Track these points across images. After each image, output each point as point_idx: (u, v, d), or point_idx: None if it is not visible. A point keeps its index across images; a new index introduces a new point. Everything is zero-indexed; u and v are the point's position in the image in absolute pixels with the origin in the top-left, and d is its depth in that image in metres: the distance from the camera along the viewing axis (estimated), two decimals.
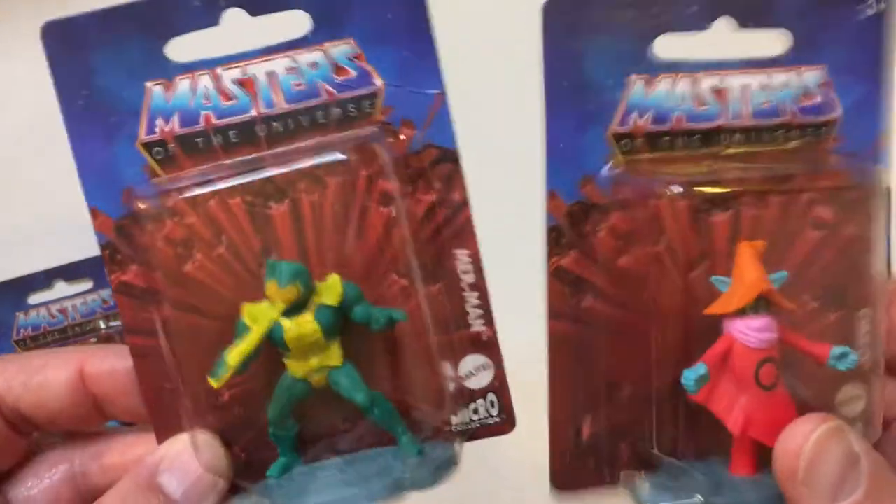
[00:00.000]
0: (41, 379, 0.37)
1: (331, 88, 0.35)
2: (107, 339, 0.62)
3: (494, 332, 0.37)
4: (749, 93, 0.36)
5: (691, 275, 0.36)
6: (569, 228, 0.36)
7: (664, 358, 0.36)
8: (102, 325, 0.64)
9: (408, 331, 0.36)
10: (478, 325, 0.37)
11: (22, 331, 0.64)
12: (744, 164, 0.36)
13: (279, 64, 0.35)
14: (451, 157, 0.36)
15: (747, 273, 0.35)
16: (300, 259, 0.35)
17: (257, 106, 0.35)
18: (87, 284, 0.64)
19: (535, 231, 0.36)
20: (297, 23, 0.35)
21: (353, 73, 0.35)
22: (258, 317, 0.33)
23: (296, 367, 0.35)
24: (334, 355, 0.35)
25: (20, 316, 0.64)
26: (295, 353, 0.34)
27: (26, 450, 0.40)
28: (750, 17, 0.35)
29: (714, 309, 0.35)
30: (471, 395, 0.38)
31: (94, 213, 0.35)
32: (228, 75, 0.35)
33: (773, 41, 0.36)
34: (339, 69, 0.35)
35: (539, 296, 0.37)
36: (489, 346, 0.37)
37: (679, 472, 0.37)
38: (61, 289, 0.63)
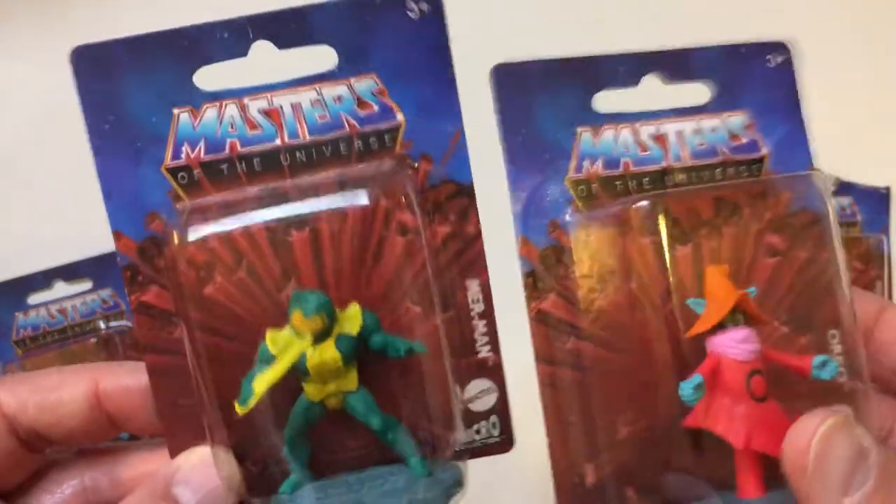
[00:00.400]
0: (56, 398, 0.38)
1: (353, 121, 0.36)
2: (106, 339, 0.62)
3: (500, 358, 0.39)
4: (684, 137, 0.40)
5: (666, 307, 0.38)
6: (544, 272, 0.38)
7: (656, 391, 0.38)
8: (102, 325, 0.64)
9: (421, 355, 0.37)
10: (484, 352, 0.39)
11: (21, 331, 0.64)
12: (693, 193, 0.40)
13: (305, 96, 0.36)
14: (467, 191, 0.37)
15: (719, 289, 0.36)
16: (319, 285, 0.36)
17: (282, 136, 0.36)
18: (86, 284, 0.64)
19: None
20: (323, 57, 0.36)
21: (375, 108, 0.36)
22: (284, 346, 0.35)
23: (313, 392, 0.36)
24: (351, 380, 0.36)
25: (20, 316, 0.63)
26: (314, 379, 0.36)
27: (38, 466, 0.40)
28: (674, 73, 0.39)
29: (696, 329, 0.37)
30: (475, 417, 0.39)
31: (118, 235, 0.36)
32: (255, 105, 0.36)
33: (698, 92, 0.40)
34: (362, 103, 0.36)
35: None
36: (494, 371, 0.39)
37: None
38: (61, 289, 0.63)
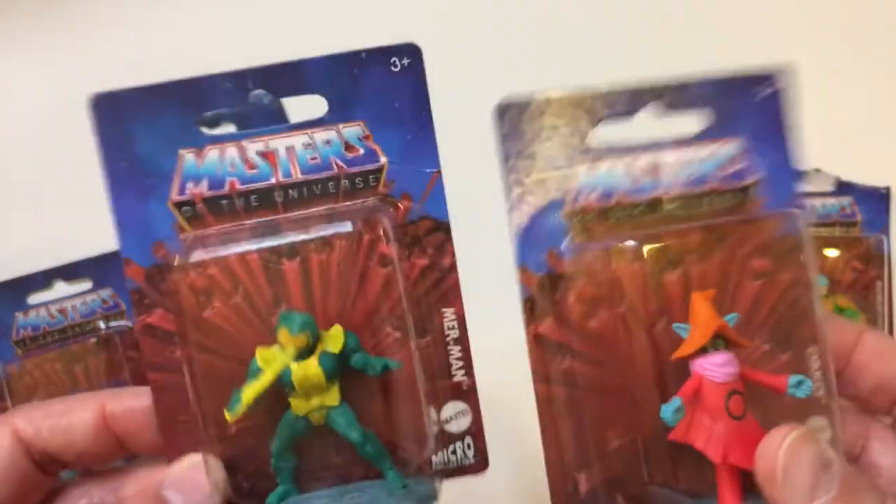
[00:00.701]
0: (67, 422, 0.41)
1: (341, 163, 0.40)
2: (106, 339, 0.64)
3: (474, 382, 0.42)
4: (679, 166, 0.42)
5: (655, 329, 0.41)
6: (541, 298, 0.41)
7: (643, 406, 0.41)
8: (102, 324, 0.65)
9: (398, 377, 0.41)
10: (459, 376, 0.42)
11: (21, 331, 0.65)
12: (685, 225, 0.42)
13: (297, 140, 0.40)
14: (443, 227, 0.41)
15: (702, 316, 0.39)
16: (307, 309, 0.40)
17: (277, 175, 0.40)
18: (86, 284, 0.65)
19: (512, 294, 0.41)
20: (315, 105, 0.40)
21: (361, 151, 0.40)
22: (270, 360, 0.38)
23: (298, 406, 0.39)
24: (333, 396, 0.39)
25: (20, 316, 0.64)
26: (299, 393, 0.39)
27: (50, 488, 0.44)
28: (672, 103, 0.41)
29: (679, 353, 0.40)
30: (451, 438, 0.42)
31: (127, 262, 0.40)
32: (253, 147, 0.40)
33: (695, 121, 0.42)
34: (349, 147, 0.40)
35: (513, 349, 0.42)
36: (469, 395, 0.42)
37: None
38: (61, 289, 0.65)
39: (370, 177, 0.40)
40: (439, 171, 0.41)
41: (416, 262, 0.41)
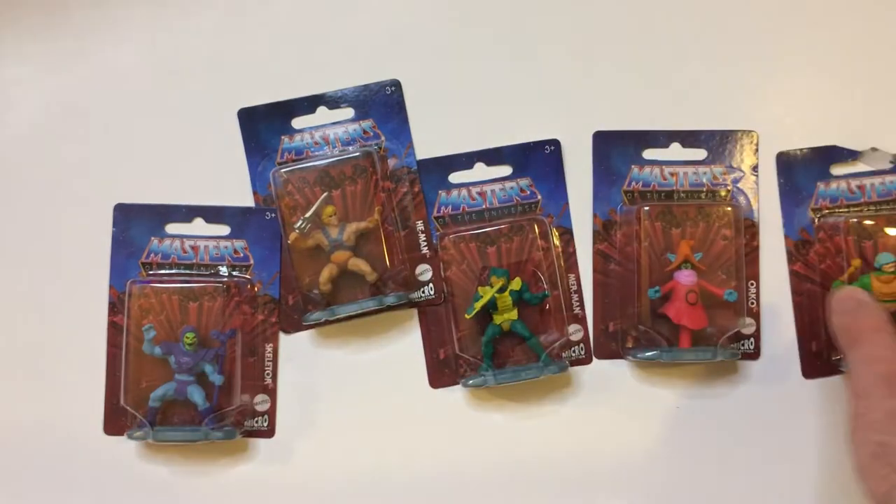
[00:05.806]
0: None
1: (517, 198, 0.80)
2: (227, 287, 0.69)
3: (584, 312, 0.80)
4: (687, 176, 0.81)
5: (662, 256, 0.79)
6: (602, 232, 0.81)
7: (644, 292, 0.78)
8: (224, 271, 0.69)
9: (548, 304, 0.79)
10: (576, 308, 0.80)
11: (152, 255, 0.69)
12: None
13: (496, 186, 0.80)
14: (568, 232, 0.80)
15: (681, 251, 0.78)
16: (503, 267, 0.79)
17: (485, 204, 0.80)
18: (224, 230, 0.70)
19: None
20: (504, 170, 0.80)
21: (528, 193, 0.80)
22: (485, 292, 0.77)
23: (497, 318, 0.78)
24: (514, 313, 0.77)
25: (154, 241, 0.70)
26: (499, 311, 0.77)
27: None
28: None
29: (668, 268, 0.78)
30: (570, 344, 0.80)
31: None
32: (474, 189, 0.80)
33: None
34: (522, 190, 0.80)
35: None
36: (581, 320, 0.80)
37: (653, 342, 0.78)
38: (199, 227, 0.70)
39: (531, 205, 0.80)
40: (567, 203, 0.80)
41: (556, 247, 0.80)
